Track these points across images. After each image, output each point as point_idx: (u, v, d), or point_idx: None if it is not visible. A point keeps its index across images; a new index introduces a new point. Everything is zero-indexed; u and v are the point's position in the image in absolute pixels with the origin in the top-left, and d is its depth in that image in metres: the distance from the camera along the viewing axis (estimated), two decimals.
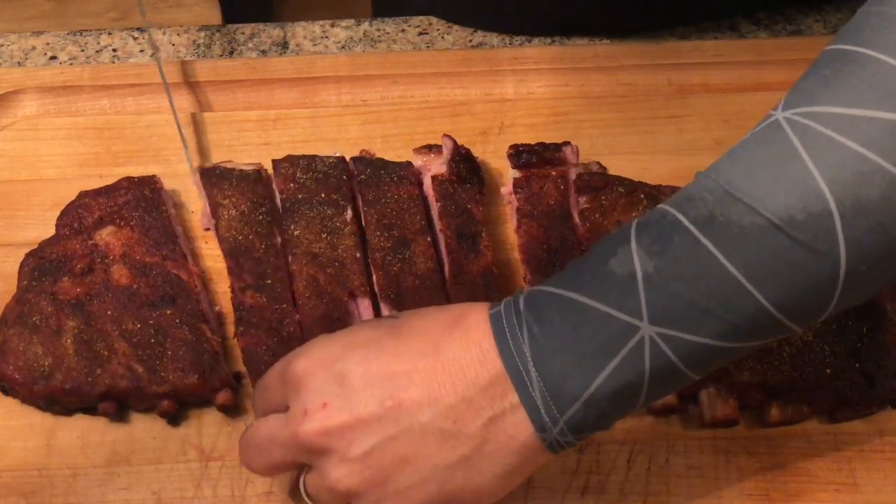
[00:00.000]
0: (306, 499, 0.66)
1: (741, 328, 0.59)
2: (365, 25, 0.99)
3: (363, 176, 0.84)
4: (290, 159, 0.84)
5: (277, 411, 0.66)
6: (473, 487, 0.63)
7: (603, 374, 0.60)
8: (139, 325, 0.77)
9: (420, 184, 0.85)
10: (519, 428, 0.62)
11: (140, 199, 0.82)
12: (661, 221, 0.61)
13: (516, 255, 0.83)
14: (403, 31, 0.99)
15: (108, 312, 0.77)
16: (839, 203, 0.56)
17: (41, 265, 0.79)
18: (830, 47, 0.60)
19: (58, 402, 0.76)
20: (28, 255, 0.80)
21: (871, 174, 0.56)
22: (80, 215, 0.81)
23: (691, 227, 0.59)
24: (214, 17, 1.45)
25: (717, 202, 0.59)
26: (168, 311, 0.78)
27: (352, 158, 0.85)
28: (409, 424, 0.62)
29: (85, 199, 0.82)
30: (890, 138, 0.56)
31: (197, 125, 0.91)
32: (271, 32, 0.99)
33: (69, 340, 0.76)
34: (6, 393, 0.78)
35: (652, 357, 0.60)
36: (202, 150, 0.89)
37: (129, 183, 0.83)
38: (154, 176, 0.84)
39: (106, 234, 0.80)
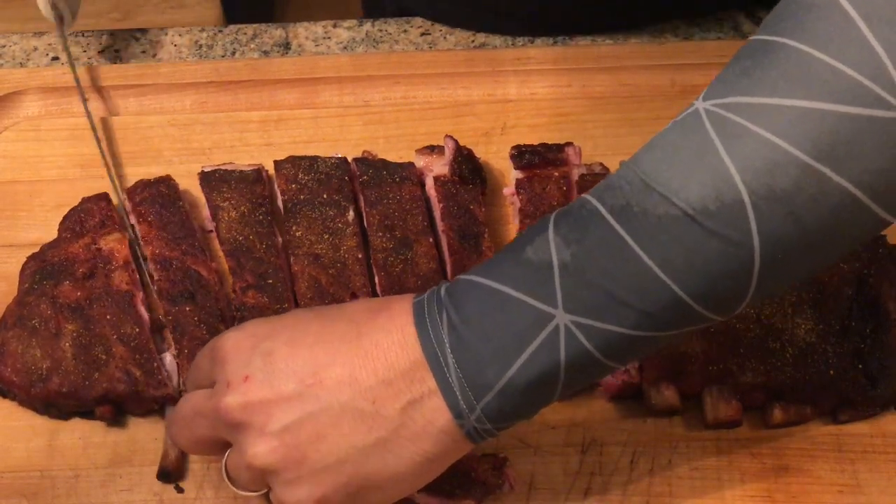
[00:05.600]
0: (227, 481, 0.67)
1: (656, 318, 0.59)
2: (367, 26, 0.99)
3: (365, 177, 0.84)
4: (292, 160, 0.84)
5: (205, 386, 0.67)
6: (390, 471, 0.63)
7: (518, 362, 0.60)
8: (137, 330, 0.77)
9: (422, 185, 0.85)
10: (436, 414, 0.62)
11: (157, 196, 0.82)
12: (581, 210, 0.61)
13: None
14: (405, 31, 0.99)
15: (108, 317, 0.77)
16: (751, 192, 0.56)
17: (43, 268, 0.79)
18: (753, 38, 0.60)
19: (55, 405, 0.76)
20: (30, 258, 0.80)
21: (783, 163, 0.56)
22: (81, 219, 0.82)
23: (608, 217, 0.59)
24: (216, 17, 1.45)
25: (634, 192, 0.59)
26: (187, 308, 0.78)
27: (354, 159, 0.85)
28: (329, 403, 0.62)
29: (87, 204, 0.82)
30: (802, 126, 0.55)
31: (191, 126, 0.91)
32: (273, 33, 0.99)
33: (68, 344, 0.76)
34: (4, 395, 0.78)
35: (567, 345, 0.60)
36: (204, 151, 0.89)
37: (145, 182, 0.84)
38: (169, 175, 0.84)
39: (112, 240, 0.80)
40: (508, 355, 0.60)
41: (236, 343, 0.65)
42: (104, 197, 0.83)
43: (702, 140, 0.58)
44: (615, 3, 0.96)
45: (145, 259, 0.81)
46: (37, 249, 0.81)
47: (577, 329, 0.59)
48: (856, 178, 0.56)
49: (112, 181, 0.85)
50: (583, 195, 0.62)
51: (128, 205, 0.83)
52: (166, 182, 0.84)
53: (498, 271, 0.62)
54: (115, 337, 0.77)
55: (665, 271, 0.58)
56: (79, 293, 0.78)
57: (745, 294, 0.59)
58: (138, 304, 0.78)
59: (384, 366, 0.62)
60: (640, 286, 0.58)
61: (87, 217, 0.82)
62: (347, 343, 0.63)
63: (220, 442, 0.67)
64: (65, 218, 0.82)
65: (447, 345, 0.61)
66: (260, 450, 0.63)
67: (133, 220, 0.83)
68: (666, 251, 0.58)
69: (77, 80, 0.88)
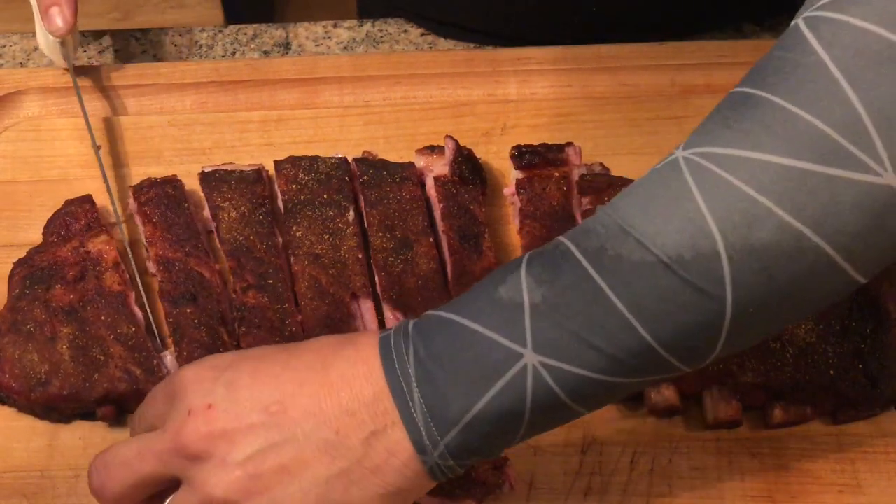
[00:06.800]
0: None
1: (625, 364, 0.59)
2: (367, 26, 0.99)
3: (365, 177, 0.84)
4: (293, 160, 0.84)
5: (157, 426, 0.65)
6: (354, 503, 0.62)
7: (484, 399, 0.59)
8: (134, 329, 0.77)
9: (422, 185, 0.85)
10: (398, 446, 0.61)
11: (163, 197, 0.82)
12: (554, 251, 0.61)
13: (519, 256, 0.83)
14: (406, 31, 0.99)
15: (103, 318, 0.77)
16: (728, 245, 0.56)
17: (32, 273, 0.79)
18: (736, 89, 0.60)
19: (56, 409, 0.76)
20: (17, 264, 0.80)
21: (761, 218, 0.56)
22: (66, 223, 0.81)
23: (581, 259, 0.59)
24: (216, 17, 1.45)
25: (610, 236, 0.59)
26: (188, 310, 0.78)
27: (354, 159, 0.85)
28: (293, 433, 0.61)
29: (71, 207, 0.82)
30: (782, 183, 0.56)
31: (192, 126, 0.91)
32: (273, 33, 0.99)
33: (64, 347, 0.76)
34: (3, 402, 0.77)
35: (534, 386, 0.59)
36: (204, 151, 0.89)
37: (151, 182, 0.83)
38: (175, 175, 0.84)
39: (99, 242, 0.80)
40: (475, 391, 0.60)
41: (197, 374, 0.64)
42: (88, 199, 0.83)
43: (680, 188, 0.58)
44: (613, 30, 0.96)
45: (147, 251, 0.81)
46: None
47: (544, 370, 0.59)
48: (832, 239, 0.56)
49: (104, 177, 0.85)
50: (558, 237, 0.62)
51: (132, 204, 0.83)
52: (172, 182, 0.83)
53: (468, 308, 0.61)
54: (111, 337, 0.77)
55: (636, 317, 0.58)
56: (71, 296, 0.78)
57: (715, 346, 0.59)
58: (132, 304, 0.78)
59: (349, 396, 0.61)
60: (610, 330, 0.58)
61: (72, 220, 0.82)
62: (313, 373, 0.62)
63: (160, 485, 0.64)
64: (49, 222, 0.82)
65: (413, 378, 0.61)
66: (220, 479, 0.61)
67: (137, 220, 0.83)
68: (638, 297, 0.58)
69: (85, 114, 0.88)
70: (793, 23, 0.60)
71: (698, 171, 0.57)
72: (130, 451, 0.64)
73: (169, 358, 0.77)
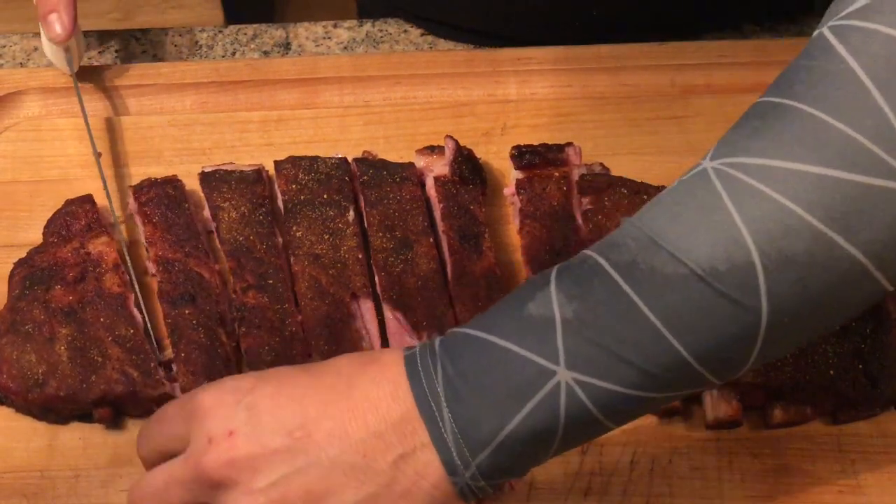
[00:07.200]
0: None
1: (658, 378, 0.58)
2: (367, 26, 1.00)
3: (365, 177, 0.84)
4: (293, 160, 0.84)
5: (172, 447, 0.64)
6: None
7: (517, 418, 0.59)
8: (132, 331, 0.77)
9: (422, 185, 0.85)
10: (429, 468, 0.60)
11: (163, 197, 0.82)
12: (583, 265, 0.60)
13: (519, 257, 0.83)
14: (406, 31, 0.99)
15: (101, 319, 0.77)
16: (763, 255, 0.56)
17: (32, 274, 0.79)
18: (761, 99, 0.60)
19: (53, 409, 0.76)
20: (17, 265, 0.80)
21: (796, 228, 0.56)
22: (67, 223, 0.81)
23: (612, 273, 0.58)
24: (217, 17, 1.45)
25: (641, 249, 0.58)
26: (186, 311, 0.78)
27: (354, 159, 0.85)
28: (318, 457, 0.60)
29: (71, 207, 0.82)
30: (815, 192, 0.55)
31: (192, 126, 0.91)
32: (273, 33, 0.99)
33: (63, 348, 0.76)
34: (2, 402, 0.77)
35: (567, 403, 0.58)
36: (204, 151, 0.89)
37: (151, 182, 0.83)
38: (175, 176, 0.84)
39: (100, 244, 0.80)
40: (507, 410, 0.59)
41: (217, 398, 0.62)
42: (88, 199, 0.83)
43: (711, 199, 0.57)
44: (613, 30, 0.96)
45: (151, 252, 0.81)
46: None
47: (577, 387, 0.58)
48: (865, 248, 0.56)
49: (104, 184, 0.85)
50: (584, 251, 0.61)
51: (132, 204, 0.83)
52: (173, 183, 0.84)
53: (497, 325, 0.60)
54: (109, 339, 0.77)
55: (670, 330, 0.57)
56: (70, 297, 0.78)
57: (749, 357, 0.58)
58: (131, 306, 0.78)
59: (375, 418, 0.60)
60: (644, 345, 0.58)
61: (73, 220, 0.81)
62: (337, 395, 0.61)
63: None
64: (49, 222, 0.82)
65: (442, 398, 0.59)
66: None
67: (137, 220, 0.83)
68: (672, 310, 0.57)
69: (87, 122, 0.88)
70: (816, 32, 0.59)
71: (729, 181, 0.57)
72: (158, 482, 0.63)
73: (178, 387, 0.77)
